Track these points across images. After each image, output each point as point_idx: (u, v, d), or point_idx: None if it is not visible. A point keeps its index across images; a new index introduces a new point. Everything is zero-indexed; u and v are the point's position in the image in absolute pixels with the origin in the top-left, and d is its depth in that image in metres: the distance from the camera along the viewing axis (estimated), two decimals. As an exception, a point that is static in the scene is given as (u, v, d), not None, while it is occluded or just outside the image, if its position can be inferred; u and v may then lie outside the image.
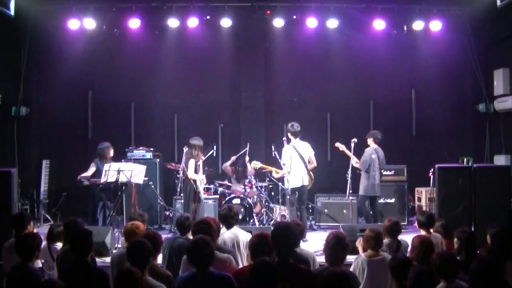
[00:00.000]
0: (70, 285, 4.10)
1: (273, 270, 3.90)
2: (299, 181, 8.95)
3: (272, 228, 4.83)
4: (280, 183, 10.04)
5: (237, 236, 6.02)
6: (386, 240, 5.73)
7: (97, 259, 6.72)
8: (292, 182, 8.92)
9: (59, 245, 5.79)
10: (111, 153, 9.31)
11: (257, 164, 9.66)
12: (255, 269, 3.95)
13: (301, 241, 8.37)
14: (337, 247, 4.60)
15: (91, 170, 9.05)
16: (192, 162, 8.96)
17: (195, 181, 8.92)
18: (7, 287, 4.63)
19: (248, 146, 10.32)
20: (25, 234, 5.31)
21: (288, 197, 9.04)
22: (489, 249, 4.99)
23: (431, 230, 6.20)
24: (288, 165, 8.92)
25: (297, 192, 8.93)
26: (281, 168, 9.15)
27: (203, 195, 9.22)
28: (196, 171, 8.97)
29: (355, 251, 5.83)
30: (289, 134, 9.10)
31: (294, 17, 10.92)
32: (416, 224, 7.22)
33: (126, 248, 4.66)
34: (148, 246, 4.45)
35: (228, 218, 6.12)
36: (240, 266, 5.38)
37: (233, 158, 10.64)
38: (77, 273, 4.46)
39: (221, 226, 5.86)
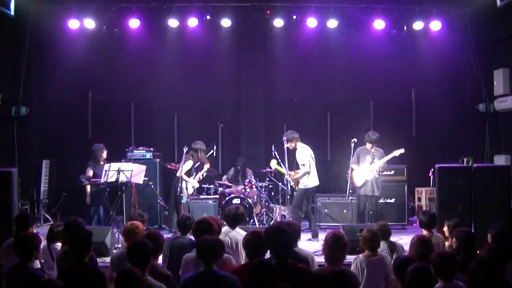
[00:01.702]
0: (68, 285, 4.10)
1: (272, 271, 3.90)
2: (315, 180, 9.09)
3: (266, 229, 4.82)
4: (280, 183, 10.04)
5: (236, 236, 6.02)
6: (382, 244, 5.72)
7: (98, 259, 6.73)
8: (311, 181, 9.02)
9: (59, 245, 5.78)
10: (104, 155, 9.33)
11: (273, 164, 9.46)
12: (254, 270, 3.95)
13: (315, 240, 8.64)
14: (336, 246, 4.60)
15: (89, 174, 9.09)
16: (189, 163, 9.17)
17: (184, 181, 9.04)
18: (7, 287, 4.62)
19: (239, 159, 10.75)
20: (24, 235, 5.30)
21: (296, 196, 9.06)
22: (490, 249, 4.98)
23: (434, 230, 6.22)
24: (308, 165, 8.98)
25: (309, 192, 9.07)
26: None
27: (186, 197, 9.23)
28: (190, 173, 9.13)
29: (354, 251, 5.85)
30: (294, 140, 9.02)
31: (294, 17, 10.92)
32: (416, 224, 7.22)
33: (126, 248, 4.66)
34: (149, 247, 4.46)
35: (236, 218, 6.19)
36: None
37: (231, 172, 10.86)
38: (74, 274, 4.46)
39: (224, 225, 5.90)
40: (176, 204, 9.35)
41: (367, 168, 9.21)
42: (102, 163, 9.17)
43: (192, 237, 5.69)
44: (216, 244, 4.54)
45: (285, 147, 9.01)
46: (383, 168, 9.38)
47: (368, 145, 9.30)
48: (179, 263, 5.27)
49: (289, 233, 4.56)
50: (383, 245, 5.67)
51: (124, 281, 3.91)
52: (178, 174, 9.17)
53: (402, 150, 9.19)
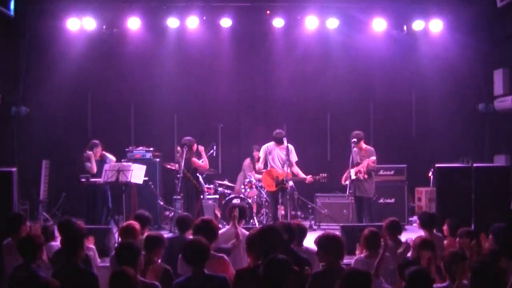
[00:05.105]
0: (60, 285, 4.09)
1: (285, 266, 3.89)
2: None
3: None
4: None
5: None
6: (388, 242, 5.69)
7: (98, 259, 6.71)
8: None
9: (54, 244, 5.76)
10: (98, 151, 9.22)
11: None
12: (268, 265, 3.92)
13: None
14: (334, 245, 4.57)
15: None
16: (196, 160, 9.05)
17: (197, 180, 8.92)
18: (11, 287, 4.61)
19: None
20: (27, 235, 5.27)
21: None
22: (492, 249, 4.99)
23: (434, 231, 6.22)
24: None
25: None
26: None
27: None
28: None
29: (354, 251, 5.84)
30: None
31: (294, 17, 10.92)
32: (416, 224, 7.18)
33: (114, 250, 4.64)
34: (136, 247, 4.44)
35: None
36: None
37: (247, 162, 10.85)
38: (65, 274, 4.44)
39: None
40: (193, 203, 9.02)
41: (353, 170, 8.84)
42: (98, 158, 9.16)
43: (191, 236, 5.68)
44: (200, 247, 4.43)
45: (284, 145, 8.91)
46: (368, 168, 8.83)
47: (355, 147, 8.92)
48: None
49: (278, 234, 4.53)
50: (390, 243, 5.61)
51: (117, 281, 3.91)
52: (207, 167, 9.04)
53: (373, 158, 8.81)
